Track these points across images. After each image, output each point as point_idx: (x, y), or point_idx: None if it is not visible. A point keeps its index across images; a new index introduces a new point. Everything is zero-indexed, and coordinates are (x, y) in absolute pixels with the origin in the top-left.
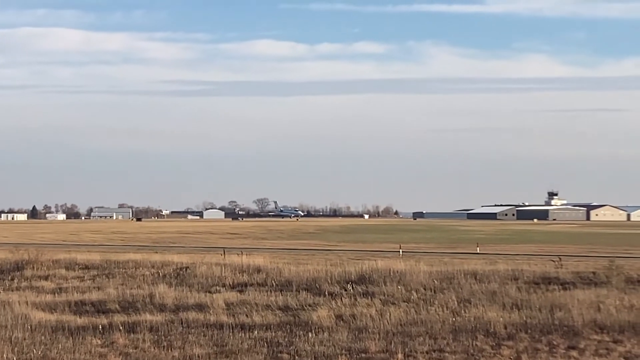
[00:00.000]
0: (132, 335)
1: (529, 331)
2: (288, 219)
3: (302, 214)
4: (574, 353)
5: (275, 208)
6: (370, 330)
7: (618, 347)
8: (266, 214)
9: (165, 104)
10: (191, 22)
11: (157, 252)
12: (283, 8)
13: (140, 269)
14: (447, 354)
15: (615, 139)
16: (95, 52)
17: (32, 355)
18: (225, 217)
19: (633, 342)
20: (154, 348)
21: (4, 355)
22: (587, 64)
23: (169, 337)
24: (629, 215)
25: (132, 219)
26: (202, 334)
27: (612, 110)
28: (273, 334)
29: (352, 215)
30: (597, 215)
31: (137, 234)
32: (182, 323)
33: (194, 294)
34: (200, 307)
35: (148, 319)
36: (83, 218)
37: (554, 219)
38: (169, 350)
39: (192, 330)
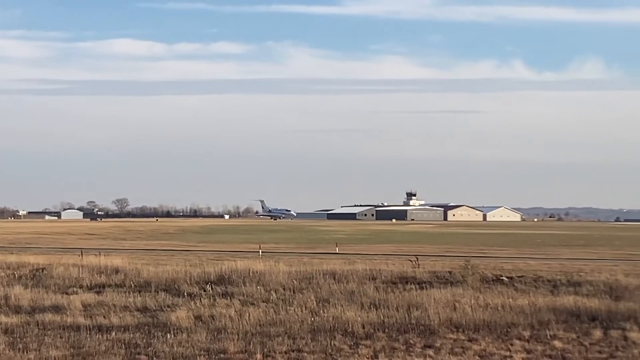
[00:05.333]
0: None
1: (387, 330)
2: (278, 219)
3: (295, 214)
4: (430, 352)
5: (263, 208)
6: (229, 330)
7: (473, 345)
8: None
9: (21, 102)
10: (47, 21)
11: (12, 253)
12: (140, 7)
13: None
14: (305, 354)
15: (471, 140)
16: None
17: None
18: (84, 217)
19: (488, 341)
20: (9, 350)
21: None
22: (443, 66)
23: (24, 339)
24: (485, 216)
25: None
26: (59, 335)
27: (467, 112)
28: (131, 335)
29: (212, 216)
30: (454, 215)
31: None
32: (38, 325)
33: (51, 295)
34: (57, 309)
35: (3, 321)
36: None
37: (412, 219)
38: (25, 353)
39: (49, 332)
